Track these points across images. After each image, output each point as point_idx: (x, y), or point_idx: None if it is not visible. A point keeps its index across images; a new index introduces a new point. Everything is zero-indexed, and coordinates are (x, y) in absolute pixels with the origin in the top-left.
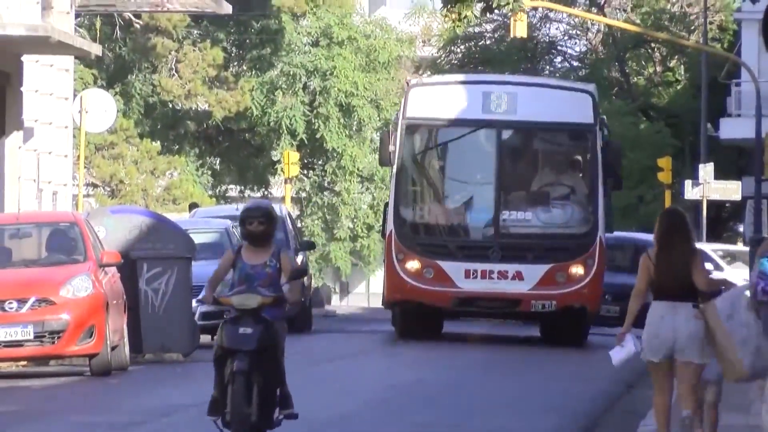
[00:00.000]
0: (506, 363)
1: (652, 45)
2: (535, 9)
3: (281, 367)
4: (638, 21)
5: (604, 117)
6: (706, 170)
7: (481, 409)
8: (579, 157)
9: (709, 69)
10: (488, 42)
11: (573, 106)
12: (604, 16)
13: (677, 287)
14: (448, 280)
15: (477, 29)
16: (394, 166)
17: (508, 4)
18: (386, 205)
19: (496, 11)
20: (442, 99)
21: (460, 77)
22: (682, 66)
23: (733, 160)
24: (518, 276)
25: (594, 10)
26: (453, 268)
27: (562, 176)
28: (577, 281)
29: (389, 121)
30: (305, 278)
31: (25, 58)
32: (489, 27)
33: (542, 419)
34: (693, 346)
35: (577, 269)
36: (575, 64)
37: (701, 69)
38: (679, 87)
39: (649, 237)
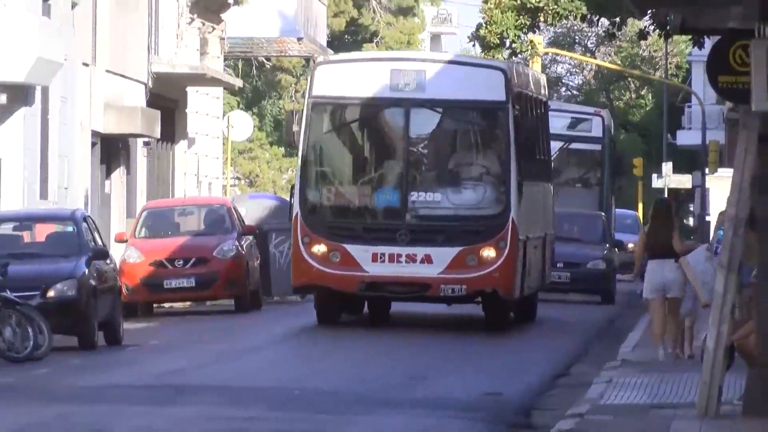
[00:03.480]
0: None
1: (629, 79)
2: (546, 53)
3: None
4: (619, 62)
5: (520, 93)
6: (667, 167)
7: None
8: (491, 136)
9: (669, 96)
10: None
11: (484, 84)
12: (595, 59)
13: (663, 250)
14: (354, 264)
15: None
16: (300, 147)
17: (527, 50)
18: (292, 187)
19: (519, 55)
20: (350, 77)
21: (368, 54)
22: (650, 93)
23: (686, 160)
24: (427, 259)
25: (588, 54)
26: (360, 252)
27: (474, 156)
28: (489, 264)
29: None
30: None
31: (188, 89)
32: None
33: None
34: (675, 287)
35: (488, 252)
36: (575, 92)
37: (663, 96)
38: (648, 108)
39: (621, 212)
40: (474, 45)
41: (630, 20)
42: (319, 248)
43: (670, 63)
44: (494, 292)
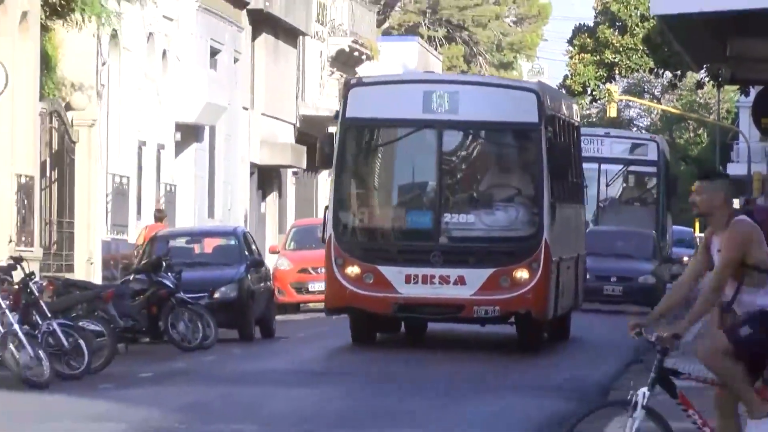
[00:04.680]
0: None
1: (688, 121)
2: (621, 100)
3: None
4: (680, 107)
5: (554, 114)
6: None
7: None
8: (523, 158)
9: (721, 135)
10: (594, 119)
11: (517, 105)
12: (661, 104)
13: None
14: (388, 286)
15: (586, 111)
16: (333, 169)
17: (604, 97)
18: (326, 208)
19: (598, 101)
20: (383, 99)
21: (401, 76)
22: (705, 133)
23: (735, 188)
24: (460, 281)
25: (654, 100)
26: (393, 273)
27: (506, 177)
28: (522, 286)
29: None
30: None
31: (330, 128)
32: (594, 111)
33: None
34: None
35: (521, 273)
36: (644, 132)
37: (716, 135)
38: (703, 145)
39: (679, 229)
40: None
41: (689, 73)
42: (353, 270)
43: (722, 108)
44: (527, 313)
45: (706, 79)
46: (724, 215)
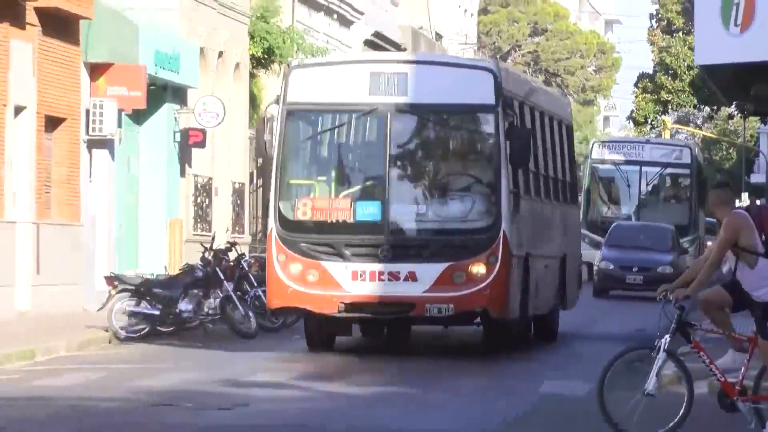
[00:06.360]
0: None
1: (722, 143)
2: (672, 127)
3: None
4: (716, 132)
5: (514, 95)
6: (744, 196)
7: None
8: (479, 143)
9: (746, 153)
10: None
11: (471, 86)
12: (701, 130)
13: None
14: (334, 284)
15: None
16: (274, 158)
17: (660, 126)
18: (268, 201)
19: (656, 129)
20: (326, 82)
21: (346, 57)
22: (734, 151)
23: (757, 191)
24: (411, 277)
25: (697, 127)
26: (339, 270)
27: (461, 165)
28: (478, 282)
29: None
30: None
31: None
32: (653, 136)
33: None
34: None
35: (477, 268)
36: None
37: (743, 153)
38: (733, 161)
39: (711, 221)
40: (629, 122)
41: (723, 108)
42: (296, 267)
43: (747, 133)
44: (485, 311)
45: (735, 112)
46: (725, 210)
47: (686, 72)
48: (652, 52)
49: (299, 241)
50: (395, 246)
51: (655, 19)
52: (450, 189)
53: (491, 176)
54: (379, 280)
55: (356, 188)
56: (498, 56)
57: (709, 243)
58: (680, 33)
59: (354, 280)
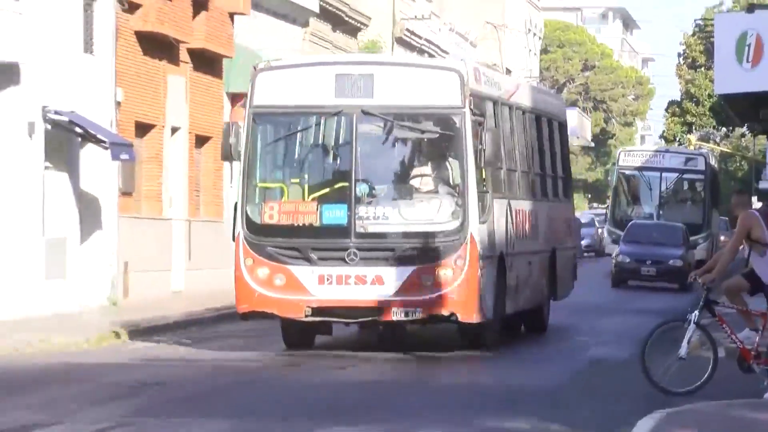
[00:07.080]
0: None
1: (736, 156)
2: (696, 144)
3: None
4: (731, 148)
5: (480, 97)
6: (754, 200)
7: None
8: (446, 144)
9: (755, 164)
10: None
11: (437, 87)
12: (719, 146)
13: None
14: (300, 288)
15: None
16: (241, 161)
17: (686, 143)
18: (236, 204)
19: (682, 145)
20: (292, 84)
21: (311, 59)
22: (746, 163)
23: (765, 197)
24: (378, 280)
25: (715, 144)
26: (306, 274)
27: (428, 167)
28: (445, 285)
29: None
30: None
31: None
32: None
33: None
34: None
35: (444, 272)
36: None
37: (753, 165)
38: (745, 170)
39: (725, 219)
40: (661, 140)
41: (737, 128)
42: (263, 271)
43: (756, 149)
44: (453, 315)
45: (747, 131)
46: (742, 210)
47: (707, 99)
48: (680, 83)
49: (266, 244)
50: (362, 249)
51: (682, 57)
52: (417, 191)
53: (458, 178)
54: (346, 284)
55: (323, 191)
56: (556, 87)
57: (722, 237)
58: (703, 68)
59: (321, 284)
